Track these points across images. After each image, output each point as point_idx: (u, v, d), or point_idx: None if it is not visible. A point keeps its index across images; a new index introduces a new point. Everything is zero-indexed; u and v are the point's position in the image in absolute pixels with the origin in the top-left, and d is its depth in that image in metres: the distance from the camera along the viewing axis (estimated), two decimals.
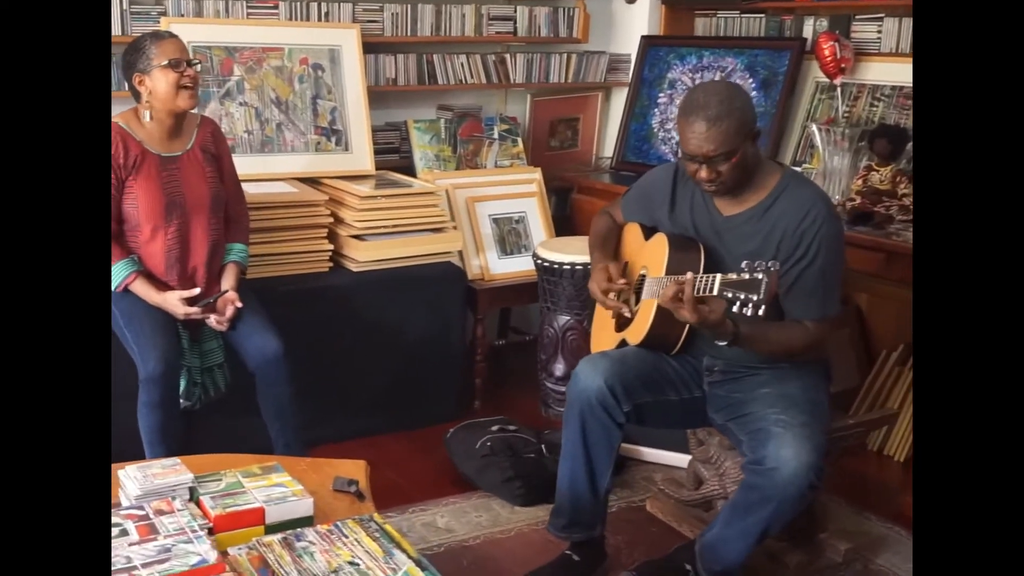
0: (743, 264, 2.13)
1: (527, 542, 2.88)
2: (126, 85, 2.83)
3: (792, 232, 2.36)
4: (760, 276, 2.08)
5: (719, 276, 2.16)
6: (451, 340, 3.68)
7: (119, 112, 2.87)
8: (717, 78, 3.97)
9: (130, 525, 1.87)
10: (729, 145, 2.30)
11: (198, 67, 2.83)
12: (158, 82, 2.74)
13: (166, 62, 2.73)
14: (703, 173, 2.35)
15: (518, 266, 3.91)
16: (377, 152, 3.90)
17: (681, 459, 3.14)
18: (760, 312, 2.08)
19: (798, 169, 3.34)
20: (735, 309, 2.12)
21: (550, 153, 4.50)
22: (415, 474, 3.30)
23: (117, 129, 2.77)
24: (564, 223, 4.21)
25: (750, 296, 2.08)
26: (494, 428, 3.29)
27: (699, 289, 2.20)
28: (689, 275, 2.22)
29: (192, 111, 2.89)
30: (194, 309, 2.80)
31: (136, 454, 2.67)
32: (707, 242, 2.48)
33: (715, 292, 2.16)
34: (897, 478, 3.29)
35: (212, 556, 1.77)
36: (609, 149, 4.48)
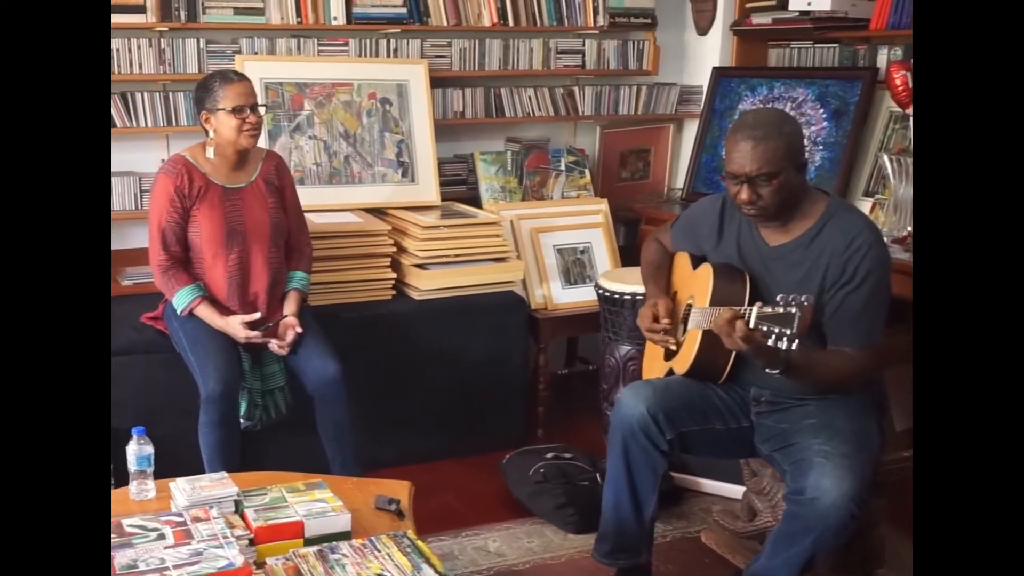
0: (779, 297, 2.13)
1: (577, 568, 2.89)
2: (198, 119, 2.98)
3: (838, 258, 2.35)
4: (793, 310, 2.08)
5: (755, 309, 2.16)
6: (512, 368, 3.71)
7: (189, 146, 3.03)
8: (788, 108, 3.94)
9: (167, 530, 1.96)
10: (772, 166, 2.30)
11: (262, 111, 2.95)
12: (222, 124, 2.89)
13: (230, 108, 2.86)
14: (744, 195, 2.35)
15: (582, 296, 3.92)
16: (444, 184, 3.98)
17: (739, 491, 3.09)
18: (794, 345, 2.09)
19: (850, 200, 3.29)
20: (770, 342, 2.11)
21: (621, 184, 4.52)
22: (471, 498, 3.34)
23: (183, 162, 2.92)
24: (632, 253, 4.20)
25: (784, 330, 2.09)
26: (549, 455, 3.31)
27: None
28: (735, 308, 2.23)
29: (257, 146, 3.01)
30: (255, 333, 2.90)
31: (197, 471, 2.77)
32: (754, 272, 2.48)
33: (752, 325, 2.16)
34: None
35: (239, 560, 1.83)
36: (681, 180, 4.48)
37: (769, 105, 4.02)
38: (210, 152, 2.95)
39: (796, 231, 2.44)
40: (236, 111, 2.88)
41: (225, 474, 2.24)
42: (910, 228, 3.35)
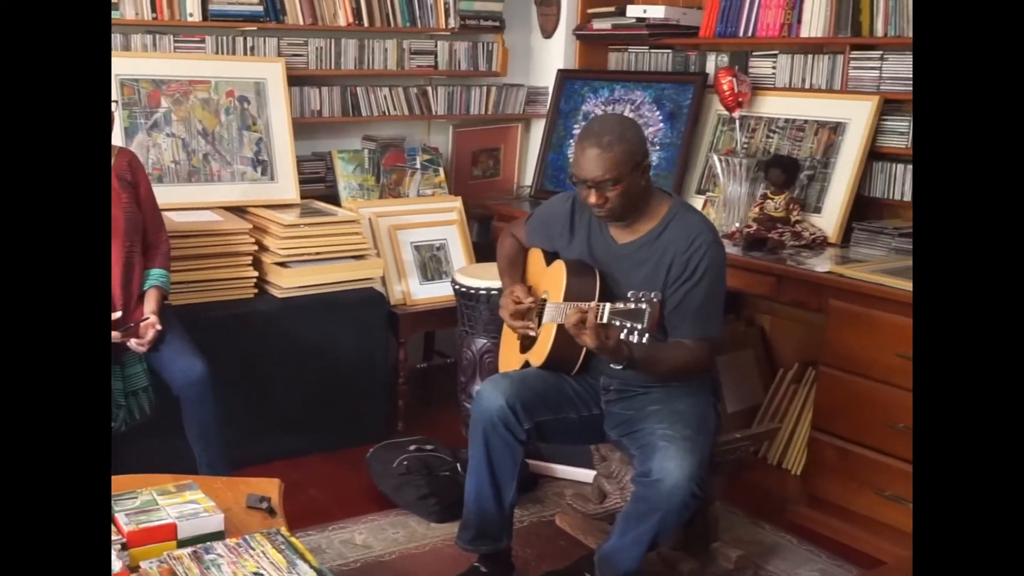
0: (629, 294, 2.32)
1: (440, 556, 3.02)
2: None
3: (680, 256, 2.55)
4: (644, 306, 2.27)
5: (608, 305, 2.34)
6: (374, 363, 3.81)
7: None
8: (627, 110, 4.18)
9: None
10: (616, 172, 2.49)
11: (114, 107, 2.95)
12: None
13: None
14: (592, 198, 2.53)
15: (439, 291, 4.06)
16: (304, 182, 4.04)
17: (590, 475, 3.30)
18: (645, 339, 2.27)
19: (694, 197, 3.54)
20: (623, 336, 2.30)
21: (473, 182, 4.67)
22: (338, 493, 3.43)
23: None
24: (486, 249, 4.36)
25: (635, 324, 2.27)
26: (412, 447, 3.44)
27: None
28: (591, 304, 2.40)
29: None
30: (114, 333, 2.91)
31: None
32: (604, 268, 2.66)
33: (605, 320, 2.34)
34: (792, 489, 3.48)
35: (116, 566, 1.88)
36: (530, 178, 4.66)
37: (610, 107, 4.25)
38: None
39: (642, 230, 2.63)
40: None
41: None
42: (737, 224, 3.63)
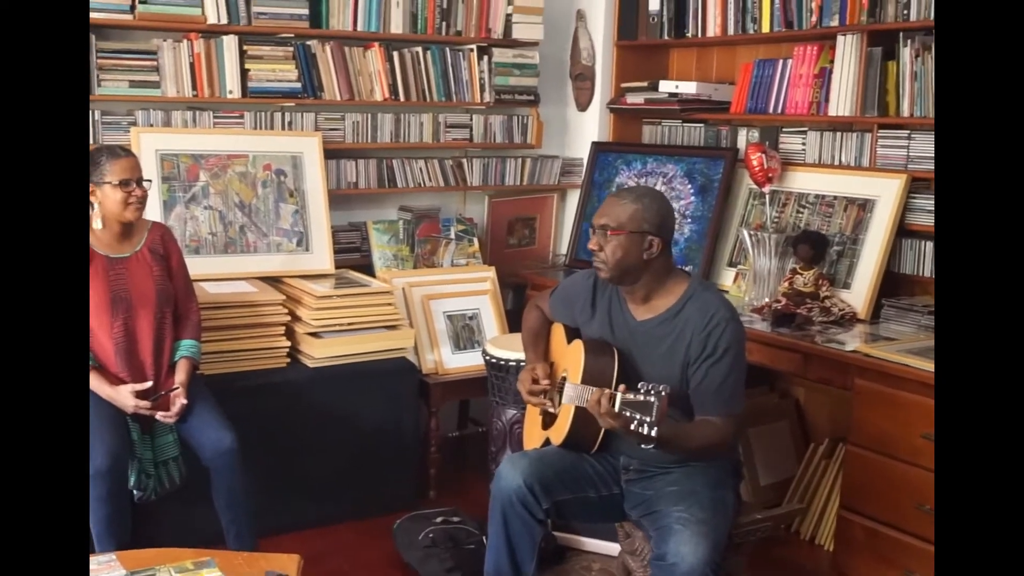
0: (639, 385, 2.35)
1: None
2: None
3: (699, 334, 2.57)
4: (652, 400, 2.30)
5: (620, 395, 2.38)
6: (404, 432, 3.85)
7: None
8: (659, 183, 4.23)
9: None
10: (616, 221, 2.58)
11: (147, 185, 3.07)
12: (108, 197, 3.00)
13: (116, 181, 2.97)
14: (592, 241, 2.65)
15: (471, 361, 4.09)
16: (339, 251, 4.12)
17: (616, 549, 3.28)
18: (653, 432, 2.31)
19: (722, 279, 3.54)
20: (632, 427, 2.32)
21: (509, 250, 4.73)
22: (365, 562, 3.45)
23: None
24: (520, 317, 4.39)
25: (644, 417, 2.31)
26: (438, 520, 3.45)
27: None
28: (605, 391, 2.43)
29: (142, 218, 3.13)
30: (144, 403, 2.98)
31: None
32: (623, 345, 2.69)
33: (616, 409, 2.36)
34: (823, 567, 3.43)
35: None
36: (565, 246, 4.71)
37: (643, 179, 4.30)
38: (97, 223, 3.05)
39: (660, 307, 2.66)
40: (122, 184, 2.99)
41: (113, 556, 2.31)
42: (767, 299, 3.63)
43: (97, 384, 2.99)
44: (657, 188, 4.22)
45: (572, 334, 2.87)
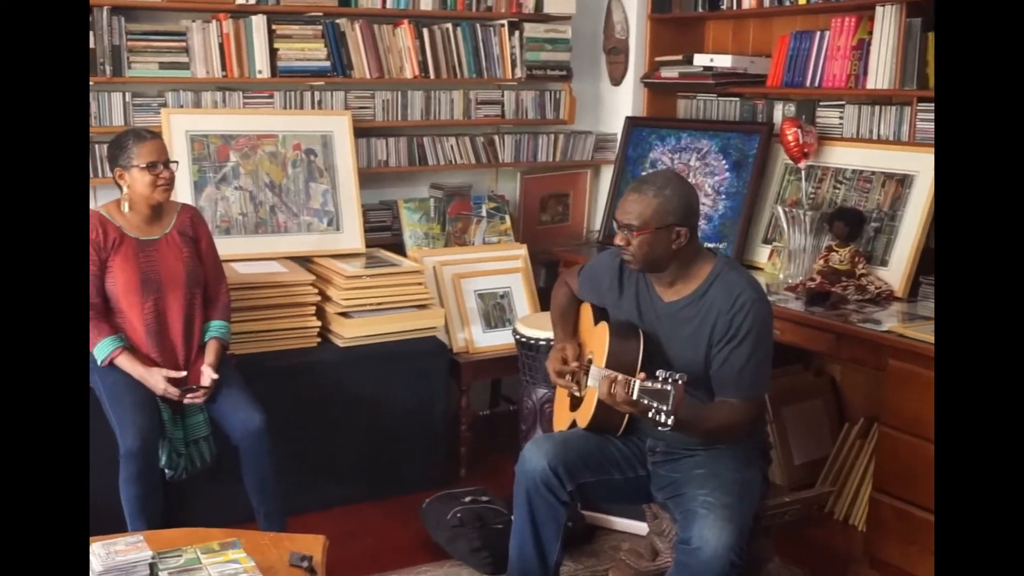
0: (657, 372, 2.33)
1: None
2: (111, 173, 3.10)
3: (724, 315, 2.53)
4: (669, 388, 2.29)
5: (638, 383, 2.37)
6: (435, 411, 3.85)
7: (104, 203, 3.16)
8: (694, 158, 4.16)
9: None
10: (640, 220, 2.53)
11: (174, 167, 3.08)
12: (136, 180, 3.02)
13: (144, 164, 2.99)
14: (619, 238, 2.60)
15: (503, 339, 4.07)
16: (370, 230, 4.12)
17: (646, 528, 3.26)
18: (669, 421, 2.30)
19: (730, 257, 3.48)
20: (649, 415, 2.30)
21: (542, 227, 4.69)
22: (393, 542, 3.46)
23: (97, 216, 3.06)
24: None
25: (661, 406, 2.29)
26: (467, 499, 3.45)
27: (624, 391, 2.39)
28: (624, 378, 2.41)
29: (170, 200, 3.15)
30: (174, 390, 3.01)
31: (119, 525, 2.86)
32: (649, 327, 2.66)
33: (635, 397, 2.34)
34: (856, 549, 3.38)
35: None
36: (598, 223, 4.66)
37: (677, 155, 4.23)
38: (125, 206, 3.08)
39: (687, 290, 2.63)
40: (149, 167, 3.01)
41: (141, 537, 2.33)
42: (801, 277, 3.57)
43: (130, 364, 3.02)
44: (692, 163, 4.17)
45: (599, 314, 2.84)
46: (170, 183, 3.08)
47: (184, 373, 3.07)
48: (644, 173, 2.69)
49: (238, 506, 3.16)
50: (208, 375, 3.07)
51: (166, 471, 3.09)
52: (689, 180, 4.02)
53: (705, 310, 2.57)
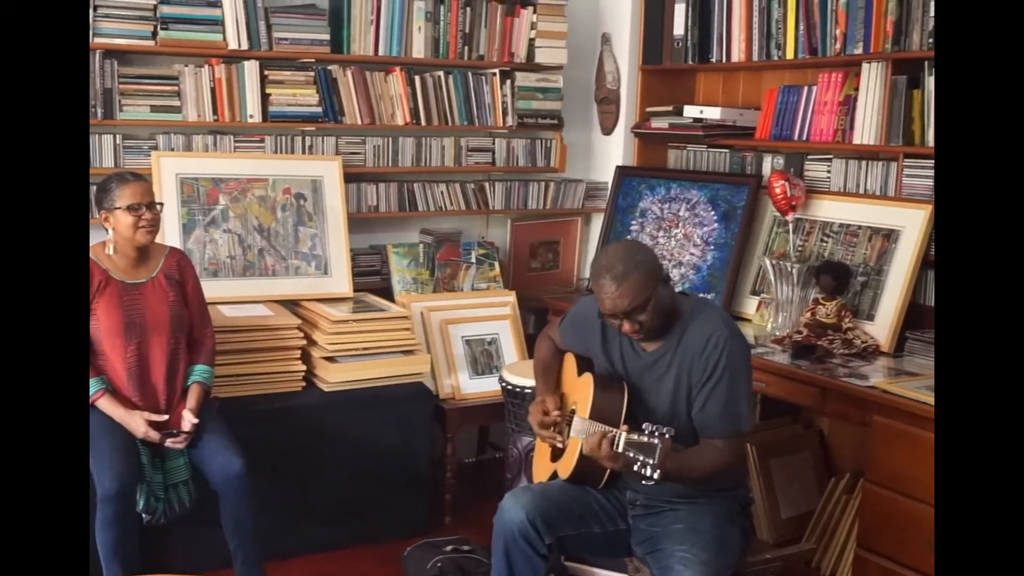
0: (643, 426, 2.32)
1: None
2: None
3: (699, 357, 2.53)
4: (656, 442, 2.27)
5: (624, 435, 2.35)
6: (420, 457, 3.82)
7: (92, 244, 3.15)
8: (683, 209, 4.17)
9: None
10: (641, 297, 2.49)
11: (158, 209, 3.09)
12: (119, 222, 3.04)
13: (126, 206, 3.00)
14: (626, 326, 2.53)
15: (489, 386, 4.06)
16: (359, 274, 4.12)
17: None
18: (656, 475, 2.27)
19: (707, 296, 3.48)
20: (635, 469, 2.29)
21: (531, 274, 4.69)
22: None
23: None
24: None
25: (647, 459, 2.28)
26: (448, 548, 3.41)
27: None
28: (609, 431, 2.40)
29: (157, 243, 3.16)
30: (153, 434, 2.99)
31: (93, 569, 2.83)
32: (632, 379, 2.65)
33: (620, 449, 2.33)
34: None
35: None
36: (588, 270, 4.66)
37: (667, 205, 4.25)
38: (110, 249, 3.08)
39: (663, 337, 2.62)
40: (132, 209, 3.02)
41: None
42: (788, 329, 3.56)
43: (111, 407, 3.00)
44: (681, 213, 4.18)
45: (583, 364, 2.83)
46: (153, 225, 3.08)
47: (165, 417, 3.06)
48: (594, 260, 2.66)
49: (217, 551, 3.13)
50: (188, 420, 3.06)
51: (144, 516, 3.06)
52: (678, 230, 4.05)
53: (681, 355, 2.57)
